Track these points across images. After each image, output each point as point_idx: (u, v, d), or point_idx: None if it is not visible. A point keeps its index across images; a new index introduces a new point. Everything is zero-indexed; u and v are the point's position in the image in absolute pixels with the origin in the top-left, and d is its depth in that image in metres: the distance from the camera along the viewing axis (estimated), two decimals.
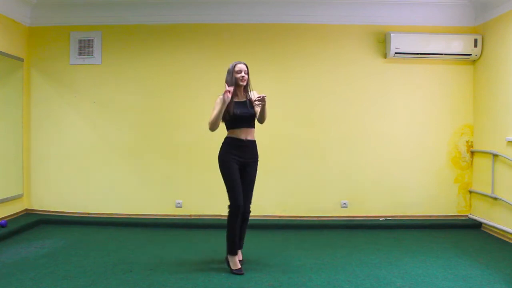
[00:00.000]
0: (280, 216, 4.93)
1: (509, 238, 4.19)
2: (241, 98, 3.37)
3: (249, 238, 3.94)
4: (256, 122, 3.43)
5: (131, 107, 5.00)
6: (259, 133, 4.87)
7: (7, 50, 4.61)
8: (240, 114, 3.27)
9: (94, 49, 4.99)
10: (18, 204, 4.90)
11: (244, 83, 3.35)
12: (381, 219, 4.92)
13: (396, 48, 4.75)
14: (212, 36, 4.97)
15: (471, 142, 4.97)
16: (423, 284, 3.05)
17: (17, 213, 4.86)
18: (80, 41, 4.99)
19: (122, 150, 5.02)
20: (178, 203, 4.98)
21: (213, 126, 3.27)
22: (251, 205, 3.41)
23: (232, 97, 3.25)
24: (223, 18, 4.95)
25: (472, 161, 4.97)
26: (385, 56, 4.93)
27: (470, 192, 4.96)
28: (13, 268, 3.29)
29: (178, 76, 4.98)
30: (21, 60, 4.89)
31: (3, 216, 4.55)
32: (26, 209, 5.04)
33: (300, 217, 4.94)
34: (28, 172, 5.05)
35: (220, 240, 4.18)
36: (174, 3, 4.89)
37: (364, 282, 3.08)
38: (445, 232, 4.57)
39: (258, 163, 3.47)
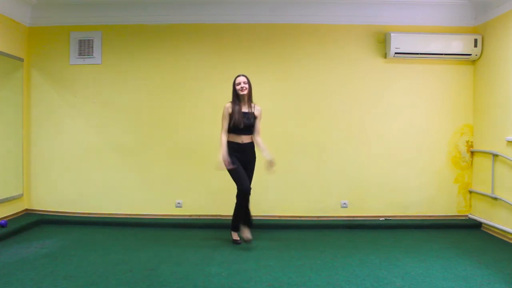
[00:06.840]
0: (280, 216, 4.93)
1: (509, 238, 4.19)
2: (244, 108, 3.90)
3: None
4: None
5: (131, 107, 5.00)
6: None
7: (7, 50, 4.61)
8: (244, 125, 3.86)
9: (94, 49, 4.98)
10: (18, 204, 4.90)
11: (244, 92, 3.85)
12: (381, 219, 4.92)
13: (396, 48, 4.75)
14: (212, 36, 4.97)
15: (471, 142, 4.97)
16: (423, 284, 3.05)
17: (17, 213, 4.86)
18: (80, 41, 4.99)
19: (122, 150, 5.02)
20: (178, 203, 4.97)
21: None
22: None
23: (238, 107, 3.85)
24: (223, 18, 4.94)
25: (472, 161, 4.97)
26: (385, 56, 4.93)
27: (470, 192, 4.96)
28: (13, 268, 3.29)
29: (178, 76, 4.98)
30: (21, 60, 4.88)
31: (3, 216, 4.55)
32: (26, 209, 5.04)
33: (300, 217, 4.94)
34: (28, 172, 5.05)
35: (220, 240, 4.20)
36: (174, 3, 4.88)
37: (364, 282, 3.08)
38: (445, 232, 4.57)
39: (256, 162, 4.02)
